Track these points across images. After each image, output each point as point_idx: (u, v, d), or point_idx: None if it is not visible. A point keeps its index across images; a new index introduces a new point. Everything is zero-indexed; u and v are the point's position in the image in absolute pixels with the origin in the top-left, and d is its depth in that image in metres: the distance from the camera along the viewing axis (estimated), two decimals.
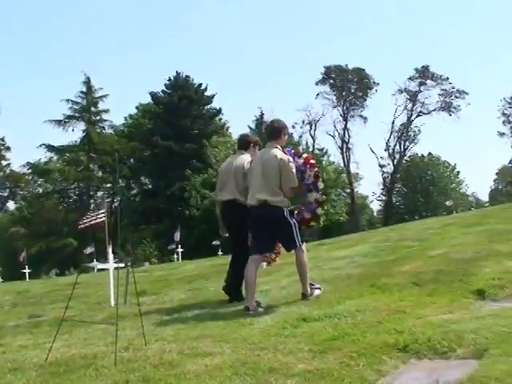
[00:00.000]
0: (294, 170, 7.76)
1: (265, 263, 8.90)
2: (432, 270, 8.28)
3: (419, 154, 78.13)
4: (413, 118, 74.68)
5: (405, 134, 74.60)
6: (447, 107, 74.28)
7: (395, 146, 74.65)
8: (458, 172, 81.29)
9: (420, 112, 74.93)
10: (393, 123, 74.00)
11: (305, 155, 8.47)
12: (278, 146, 7.91)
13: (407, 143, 75.52)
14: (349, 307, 6.62)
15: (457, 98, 74.25)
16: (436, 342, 4.78)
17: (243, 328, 6.37)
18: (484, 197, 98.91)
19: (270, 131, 8.15)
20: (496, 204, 53.41)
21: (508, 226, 12.54)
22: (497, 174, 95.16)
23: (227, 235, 8.91)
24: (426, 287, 7.32)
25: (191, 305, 8.68)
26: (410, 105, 74.45)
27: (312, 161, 8.39)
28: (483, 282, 7.09)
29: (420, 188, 75.94)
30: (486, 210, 25.86)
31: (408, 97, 74.36)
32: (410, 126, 74.56)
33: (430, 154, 78.22)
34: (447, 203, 54.22)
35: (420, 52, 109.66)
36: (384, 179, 76.59)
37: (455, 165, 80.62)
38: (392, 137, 74.33)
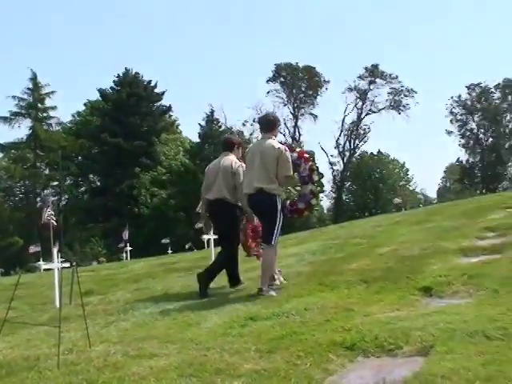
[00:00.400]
0: (290, 160, 8.19)
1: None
2: (380, 268, 8.34)
3: (369, 152, 78.97)
4: (363, 116, 75.49)
5: (355, 132, 75.28)
6: (396, 106, 75.22)
7: (345, 143, 75.36)
8: (407, 170, 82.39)
9: (370, 110, 75.79)
10: (343, 121, 74.67)
11: (298, 149, 9.14)
12: (273, 137, 8.36)
13: (357, 141, 76.27)
14: (297, 305, 6.61)
15: (406, 96, 75.30)
16: (383, 340, 4.79)
17: (190, 328, 6.32)
18: (432, 194, 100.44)
19: (265, 123, 8.57)
20: (444, 201, 54.20)
21: (454, 223, 12.71)
22: (445, 171, 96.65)
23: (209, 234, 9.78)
24: (374, 285, 7.35)
25: (138, 305, 8.58)
26: (360, 103, 75.23)
27: (306, 155, 8.96)
28: (430, 279, 7.15)
29: (370, 185, 76.67)
30: (433, 207, 26.19)
31: (358, 95, 75.12)
32: (360, 124, 75.33)
33: (379, 151, 79.08)
34: (396, 200, 54.86)
35: (370, 51, 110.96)
36: (334, 177, 77.17)
37: (404, 162, 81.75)
38: (342, 135, 75.04)
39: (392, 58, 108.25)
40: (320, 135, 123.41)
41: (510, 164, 77.58)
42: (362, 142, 76.75)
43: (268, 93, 73.61)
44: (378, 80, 74.76)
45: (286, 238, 19.53)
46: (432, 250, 9.19)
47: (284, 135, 73.43)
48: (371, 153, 78.75)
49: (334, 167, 76.69)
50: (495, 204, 15.60)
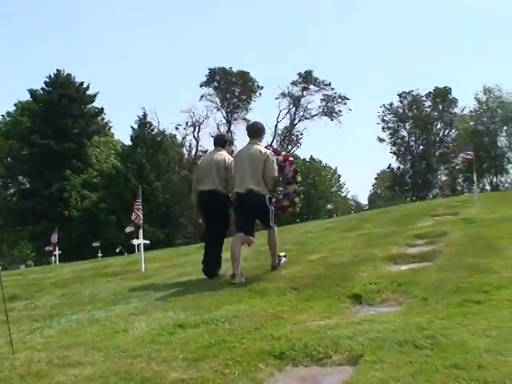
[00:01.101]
0: (276, 163, 9.30)
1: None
2: (310, 275, 8.33)
3: (301, 158, 79.51)
4: (296, 122, 75.82)
5: (287, 137, 75.58)
6: (329, 112, 75.85)
7: None
8: (339, 176, 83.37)
9: (303, 116, 76.18)
10: (276, 127, 74.84)
11: (283, 153, 10.50)
12: (259, 143, 9.46)
13: (290, 147, 76.58)
14: (227, 312, 6.54)
15: (338, 103, 76.00)
16: (312, 349, 4.76)
17: (117, 335, 6.18)
18: (364, 200, 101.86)
19: (254, 130, 9.67)
20: (375, 208, 54.97)
21: (385, 230, 12.87)
22: (376, 178, 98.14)
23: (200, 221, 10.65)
24: (305, 292, 7.33)
25: (64, 311, 8.37)
26: (293, 109, 75.53)
27: (290, 158, 10.23)
28: (360, 286, 7.18)
29: (301, 191, 77.18)
30: (364, 214, 26.53)
31: (291, 101, 75.42)
32: (293, 129, 75.64)
33: (311, 157, 79.78)
34: (328, 207, 55.37)
35: (303, 57, 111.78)
36: None
37: (336, 169, 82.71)
38: (275, 140, 75.19)
39: (325, 64, 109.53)
40: None
41: (439, 172, 79.21)
42: (295, 148, 77.17)
43: (202, 97, 73.38)
44: (311, 86, 75.30)
45: None
46: (362, 258, 9.26)
47: None
48: (304, 159, 79.35)
49: None
50: (425, 212, 15.89)
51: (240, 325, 5.94)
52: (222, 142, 10.33)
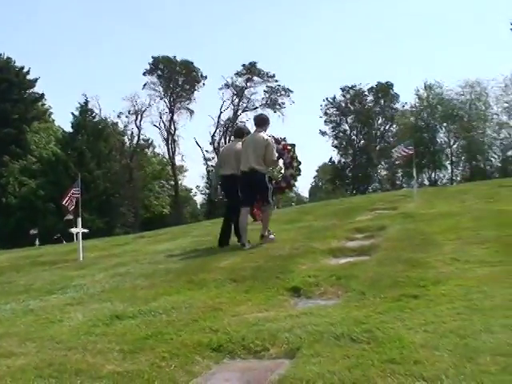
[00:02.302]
0: (275, 148, 11.04)
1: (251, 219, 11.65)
2: (250, 267, 8.31)
3: None
4: (239, 113, 75.85)
5: (230, 128, 75.50)
6: (272, 104, 76.08)
7: (221, 139, 75.40)
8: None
9: (246, 107, 76.26)
10: (219, 117, 74.76)
11: (283, 143, 12.39)
12: (263, 131, 11.08)
13: (232, 137, 76.55)
14: (164, 304, 6.48)
15: (282, 95, 76.28)
16: (250, 342, 4.74)
17: (52, 326, 6.07)
18: (305, 193, 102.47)
19: (259, 120, 11.43)
20: (315, 200, 55.41)
21: (325, 223, 12.95)
22: (317, 171, 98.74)
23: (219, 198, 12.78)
24: (244, 284, 7.32)
25: None
26: (237, 100, 75.56)
27: (288, 147, 12.10)
28: (299, 279, 7.19)
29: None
30: (305, 206, 26.65)
31: (235, 92, 75.40)
32: (236, 120, 75.56)
33: None
34: None
35: (248, 48, 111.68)
36: (208, 172, 77.19)
37: None
38: (218, 131, 75.12)
39: (270, 56, 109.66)
40: (196, 130, 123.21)
41: (380, 166, 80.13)
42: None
43: (144, 85, 72.68)
44: (255, 78, 75.39)
45: (156, 233, 19.35)
46: (302, 250, 9.27)
47: (159, 129, 72.90)
48: None
49: (209, 163, 76.76)
50: (364, 205, 16.06)
51: (178, 316, 5.89)
52: (240, 134, 11.85)
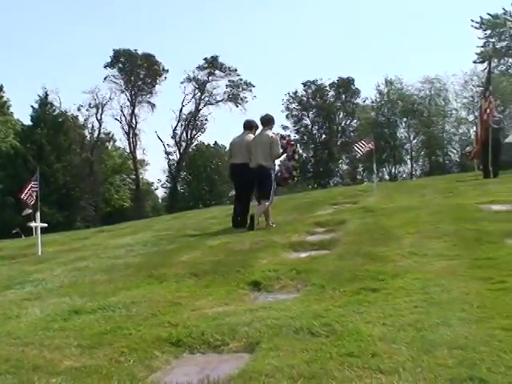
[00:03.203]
0: (279, 145, 12.26)
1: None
2: (211, 261, 8.31)
3: (205, 143, 79.42)
4: (200, 107, 75.63)
5: (192, 122, 75.32)
6: (234, 98, 76.02)
7: (182, 133, 75.16)
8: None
9: (208, 101, 76.07)
10: (180, 111, 74.44)
11: (286, 138, 13.94)
12: (269, 130, 12.36)
13: (194, 131, 76.33)
14: (124, 299, 6.44)
15: (244, 90, 76.25)
16: (209, 336, 4.74)
17: (9, 321, 6.00)
18: None
19: (266, 120, 12.56)
20: (277, 194, 55.44)
21: (286, 217, 13.01)
22: (279, 165, 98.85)
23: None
24: (204, 278, 7.30)
25: None
26: (199, 94, 75.30)
27: (291, 142, 13.80)
28: (259, 273, 7.20)
29: (205, 176, 77.17)
30: None
31: (197, 86, 75.13)
32: (198, 114, 75.44)
33: (216, 143, 79.77)
34: (231, 193, 55.37)
35: (210, 42, 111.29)
36: (170, 166, 76.91)
37: None
38: (179, 125, 74.78)
39: (232, 50, 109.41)
40: (157, 124, 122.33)
41: (341, 161, 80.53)
42: (199, 133, 77.00)
43: (105, 78, 72.05)
44: (217, 72, 75.22)
45: (117, 227, 19.23)
46: (263, 244, 9.29)
47: (120, 122, 72.36)
48: (208, 144, 79.31)
49: (170, 157, 76.46)
50: (325, 200, 16.15)
51: (137, 311, 5.86)
52: (249, 126, 12.95)
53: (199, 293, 6.58)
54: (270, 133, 12.23)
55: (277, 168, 13.05)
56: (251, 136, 12.62)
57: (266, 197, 12.06)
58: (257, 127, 12.80)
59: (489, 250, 7.17)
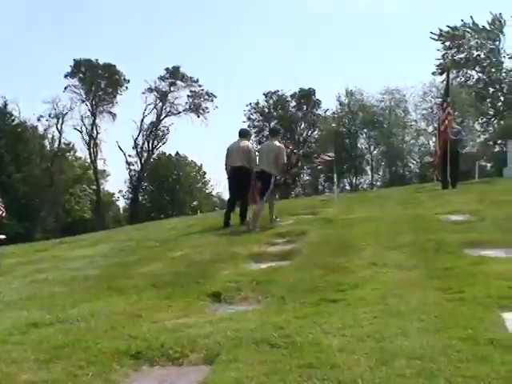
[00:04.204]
0: (285, 154, 13.46)
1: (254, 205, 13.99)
2: (171, 272, 8.29)
3: (167, 153, 79.08)
4: (162, 117, 75.34)
5: (153, 132, 75.00)
6: (196, 109, 75.94)
7: (143, 144, 74.74)
8: (205, 173, 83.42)
9: (169, 112, 75.83)
10: (142, 121, 74.06)
11: (290, 147, 15.16)
12: (276, 140, 13.94)
13: (156, 142, 75.99)
14: (83, 311, 6.38)
15: (206, 100, 76.22)
16: (169, 348, 4.72)
17: None
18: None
19: (275, 131, 15.20)
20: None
21: (246, 227, 12.96)
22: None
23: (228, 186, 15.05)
24: (164, 290, 7.27)
25: None
26: (160, 104, 75.03)
27: (295, 151, 15.34)
28: (220, 284, 7.20)
29: (167, 187, 76.83)
30: (223, 212, 26.65)
31: (158, 96, 74.88)
32: (159, 125, 75.13)
33: (177, 153, 79.49)
34: (194, 204, 55.28)
35: (172, 52, 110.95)
36: (131, 177, 76.39)
37: (201, 165, 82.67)
38: (141, 135, 74.38)
39: (193, 61, 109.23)
40: (118, 134, 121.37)
41: (302, 171, 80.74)
42: (161, 143, 76.68)
43: (66, 88, 71.40)
44: (178, 82, 75.09)
45: (77, 239, 19.02)
46: (224, 255, 9.28)
47: (81, 132, 71.67)
48: (169, 154, 78.99)
49: (132, 167, 75.95)
50: (286, 210, 16.11)
51: (96, 324, 5.80)
52: (245, 134, 15.04)
53: (159, 305, 6.54)
54: (277, 143, 13.77)
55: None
56: (246, 142, 14.46)
57: (261, 197, 13.40)
58: (250, 136, 15.09)
59: (447, 261, 7.27)
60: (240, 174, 14.07)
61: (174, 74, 74.48)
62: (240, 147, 14.18)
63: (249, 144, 14.71)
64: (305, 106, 79.88)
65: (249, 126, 79.29)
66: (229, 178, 14.85)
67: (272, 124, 79.56)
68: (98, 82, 72.43)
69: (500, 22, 52.78)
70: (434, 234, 9.08)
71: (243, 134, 14.90)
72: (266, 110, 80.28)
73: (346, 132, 68.09)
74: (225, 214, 14.47)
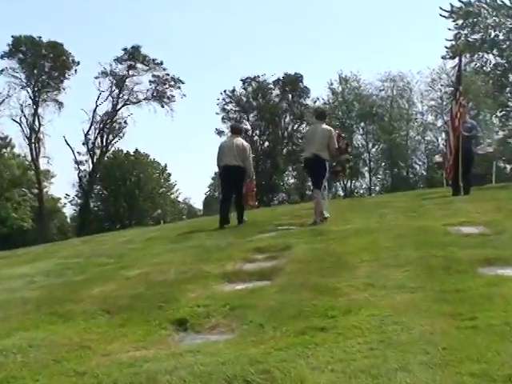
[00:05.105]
0: (335, 138, 14.78)
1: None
2: (127, 295, 8.26)
3: (124, 151, 78.93)
4: (119, 106, 75.16)
5: (108, 125, 74.74)
6: (159, 97, 75.81)
7: (96, 139, 74.47)
8: (169, 174, 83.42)
9: (128, 100, 75.64)
10: (94, 112, 73.80)
11: (337, 131, 16.11)
12: (324, 123, 15.19)
13: (111, 137, 75.74)
14: (20, 341, 6.33)
15: (171, 86, 76.13)
16: None
17: None
18: (199, 204, 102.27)
19: (320, 114, 16.36)
20: (211, 214, 55.34)
21: (220, 241, 12.95)
22: (213, 178, 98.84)
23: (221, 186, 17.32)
24: (119, 316, 7.25)
25: None
26: (116, 91, 74.88)
27: (342, 135, 16.92)
28: (186, 309, 7.18)
29: (124, 191, 76.68)
30: (198, 221, 26.66)
31: (114, 81, 74.71)
32: (115, 116, 74.92)
33: (137, 151, 79.33)
34: (157, 212, 55.11)
35: (131, 30, 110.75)
36: (81, 179, 76.05)
37: (166, 166, 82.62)
38: (93, 128, 74.08)
39: (157, 40, 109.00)
40: (66, 127, 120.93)
41: (287, 173, 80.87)
42: (117, 139, 76.43)
43: (2, 71, 71.07)
44: (138, 65, 74.97)
45: (15, 253, 18.94)
46: (191, 275, 9.27)
47: (20, 124, 71.28)
48: (127, 152, 78.85)
49: (82, 167, 75.64)
50: (268, 220, 16.18)
51: (36, 357, 5.77)
52: (238, 131, 17.28)
53: (112, 334, 6.52)
54: (327, 126, 15.05)
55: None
56: (241, 140, 16.20)
57: (318, 186, 14.70)
58: (244, 132, 15.49)
59: (458, 281, 7.30)
60: (234, 174, 15.71)
61: (134, 56, 74.42)
62: (234, 145, 15.78)
63: (243, 141, 16.32)
64: (290, 95, 79.97)
65: (223, 119, 79.54)
66: (222, 178, 16.68)
67: (250, 116, 79.89)
68: (41, 63, 72.19)
69: None
70: (443, 250, 9.12)
71: (237, 131, 17.01)
72: (244, 99, 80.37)
73: (339, 126, 68.32)
74: (220, 215, 16.02)
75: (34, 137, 71.42)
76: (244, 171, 16.00)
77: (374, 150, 69.93)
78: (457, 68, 22.03)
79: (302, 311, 6.56)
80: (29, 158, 72.79)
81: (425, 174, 66.31)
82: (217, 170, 17.49)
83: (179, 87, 76.10)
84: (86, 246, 17.20)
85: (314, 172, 15.08)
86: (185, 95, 76.45)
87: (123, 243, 16.04)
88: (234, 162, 15.69)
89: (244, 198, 16.59)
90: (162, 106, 75.61)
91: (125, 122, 75.80)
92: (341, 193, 69.55)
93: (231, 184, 16.10)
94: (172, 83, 76.05)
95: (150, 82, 75.90)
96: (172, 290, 8.26)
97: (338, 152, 15.23)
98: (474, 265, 8.13)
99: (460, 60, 23.34)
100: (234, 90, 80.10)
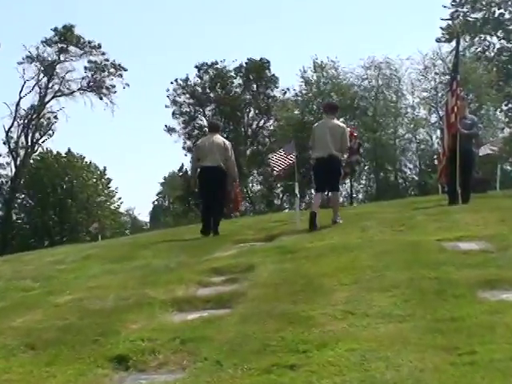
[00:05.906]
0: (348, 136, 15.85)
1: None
2: (56, 326, 8.22)
3: (55, 152, 78.53)
4: (47, 98, 74.79)
5: (35, 121, 74.33)
6: (97, 87, 75.55)
7: (20, 137, 74.04)
8: (109, 180, 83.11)
9: (58, 91, 75.25)
10: (17, 105, 73.39)
11: (348, 129, 16.79)
12: (335, 118, 15.90)
13: (38, 135, 75.36)
14: None
15: (111, 74, 75.91)
16: None
17: None
18: (145, 216, 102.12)
19: (331, 107, 16.94)
20: (158, 227, 55.24)
21: (169, 261, 12.94)
22: (162, 184, 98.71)
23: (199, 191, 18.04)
24: (45, 352, 7.22)
25: None
26: (45, 80, 74.52)
27: (355, 134, 17.92)
28: (127, 344, 7.18)
29: (54, 201, 76.28)
30: (142, 236, 26.58)
31: (42, 68, 74.32)
32: (43, 110, 74.52)
33: (69, 151, 78.94)
34: (94, 226, 54.82)
35: (61, 6, 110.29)
36: (1, 186, 75.63)
37: (105, 169, 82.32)
38: (16, 124, 73.65)
39: (92, 20, 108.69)
40: None
41: (251, 178, 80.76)
42: (46, 137, 76.08)
43: None
44: (71, 48, 74.65)
45: None
46: (134, 301, 9.25)
47: None
48: (58, 153, 78.43)
49: (2, 171, 75.20)
50: (227, 236, 16.19)
51: None
52: (216, 128, 18.12)
53: (38, 374, 6.50)
54: (339, 122, 16.33)
55: None
56: (221, 138, 17.38)
57: (335, 188, 16.29)
58: (223, 129, 16.43)
59: (454, 308, 7.36)
60: (215, 176, 16.66)
61: (66, 37, 74.06)
62: (214, 144, 16.87)
63: (224, 140, 17.51)
64: (255, 85, 80.00)
65: (174, 113, 79.36)
66: (200, 181, 17.40)
67: (207, 110, 79.85)
68: None
69: None
70: (436, 270, 9.18)
71: (215, 128, 18.11)
72: (200, 90, 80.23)
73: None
74: (202, 222, 17.37)
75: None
76: (225, 173, 16.88)
77: None
78: (454, 53, 22.22)
79: (267, 345, 6.58)
80: None
81: (416, 178, 66.59)
82: (189, 173, 18.27)
83: (121, 75, 76.06)
84: (6, 267, 17.10)
85: (329, 174, 15.58)
86: (128, 85, 76.44)
87: (52, 263, 15.95)
88: (214, 163, 16.57)
89: (234, 203, 18.63)
90: (101, 98, 75.49)
91: (55, 117, 75.53)
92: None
93: (212, 188, 16.86)
94: (112, 70, 75.92)
95: (85, 68, 75.73)
96: (110, 321, 8.25)
97: (349, 152, 16.25)
98: (474, 288, 8.19)
99: (458, 43, 23.46)
100: (187, 79, 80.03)
